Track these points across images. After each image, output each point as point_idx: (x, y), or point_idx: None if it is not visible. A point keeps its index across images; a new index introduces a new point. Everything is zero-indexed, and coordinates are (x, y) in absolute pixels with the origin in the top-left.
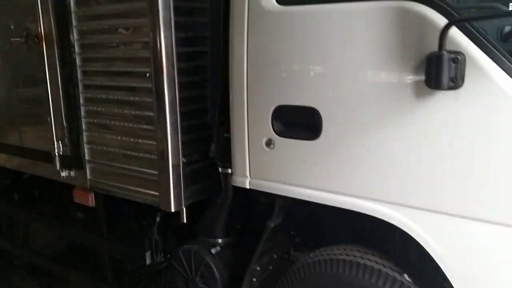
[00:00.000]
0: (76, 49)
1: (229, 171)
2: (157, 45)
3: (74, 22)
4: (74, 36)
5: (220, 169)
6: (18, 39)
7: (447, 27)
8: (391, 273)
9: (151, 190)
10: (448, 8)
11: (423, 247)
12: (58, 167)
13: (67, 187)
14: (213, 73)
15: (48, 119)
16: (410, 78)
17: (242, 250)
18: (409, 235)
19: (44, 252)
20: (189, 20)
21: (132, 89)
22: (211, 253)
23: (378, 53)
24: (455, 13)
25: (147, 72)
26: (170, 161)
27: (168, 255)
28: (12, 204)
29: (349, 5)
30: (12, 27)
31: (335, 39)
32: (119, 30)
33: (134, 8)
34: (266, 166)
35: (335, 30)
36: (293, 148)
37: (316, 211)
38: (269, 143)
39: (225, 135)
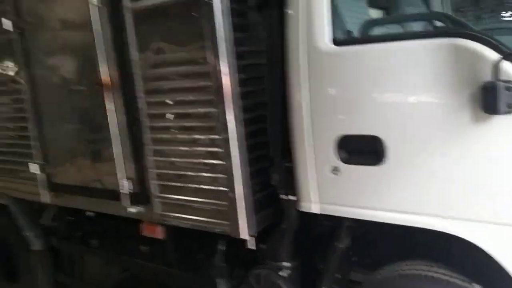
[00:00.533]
0: (140, 94)
1: (292, 197)
2: (221, 88)
3: (136, 70)
4: (137, 82)
5: (283, 196)
6: (80, 86)
7: (500, 60)
8: (460, 283)
9: (219, 219)
10: (498, 45)
11: (487, 258)
12: (125, 204)
13: (129, 221)
14: (273, 109)
15: (114, 159)
16: (467, 105)
17: (308, 272)
18: (469, 246)
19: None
20: (250, 63)
21: (196, 129)
22: (280, 276)
23: (436, 84)
24: (505, 49)
25: (212, 113)
26: (238, 192)
27: (239, 281)
28: (74, 240)
29: (405, 43)
30: (74, 75)
31: (394, 75)
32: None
33: (197, 55)
34: (333, 191)
35: (393, 67)
36: (358, 173)
37: (372, 230)
38: (334, 170)
39: (287, 164)
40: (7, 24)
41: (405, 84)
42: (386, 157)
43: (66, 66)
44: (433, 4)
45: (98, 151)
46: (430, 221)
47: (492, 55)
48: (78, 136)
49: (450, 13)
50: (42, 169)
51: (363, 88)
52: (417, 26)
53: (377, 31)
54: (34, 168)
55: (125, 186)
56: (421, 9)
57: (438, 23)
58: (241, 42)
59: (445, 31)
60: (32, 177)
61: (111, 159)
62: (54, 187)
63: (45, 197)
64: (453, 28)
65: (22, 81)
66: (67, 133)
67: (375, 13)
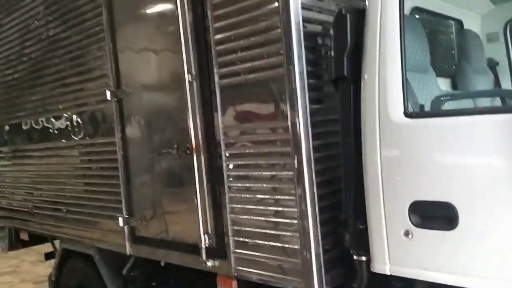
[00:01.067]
0: (224, 157)
1: (364, 258)
2: (298, 154)
3: (221, 136)
4: (222, 146)
5: (355, 257)
6: (170, 150)
7: None
8: None
9: (292, 276)
10: None
11: None
12: (203, 258)
13: (205, 273)
14: (346, 172)
15: (195, 216)
16: None
17: None
18: None
19: None
20: (324, 130)
21: (274, 192)
22: None
23: (507, 155)
24: None
25: (289, 176)
26: (311, 251)
27: None
28: None
29: (475, 117)
30: (162, 139)
31: (465, 146)
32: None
33: (277, 124)
34: (406, 253)
35: (463, 139)
36: (431, 237)
37: None
38: (407, 233)
39: (360, 226)
40: (108, 94)
41: (475, 155)
42: (458, 222)
43: (158, 131)
44: (501, 71)
45: (181, 207)
46: (505, 286)
47: None
48: (162, 193)
49: None
50: (127, 222)
51: (434, 158)
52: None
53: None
54: (121, 221)
55: (205, 240)
56: (487, 76)
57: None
58: (317, 112)
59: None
60: (118, 230)
61: (192, 215)
62: (138, 240)
63: (129, 248)
64: None
65: (117, 142)
66: (153, 190)
67: (442, 82)
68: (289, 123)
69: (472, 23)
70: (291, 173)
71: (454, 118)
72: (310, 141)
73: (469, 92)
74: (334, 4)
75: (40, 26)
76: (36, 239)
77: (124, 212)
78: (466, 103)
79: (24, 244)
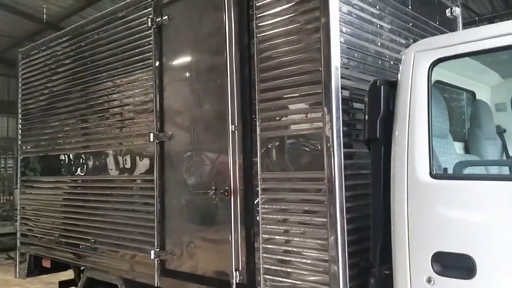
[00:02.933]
0: (259, 201)
1: None
2: (332, 202)
3: (259, 182)
4: (259, 192)
5: None
6: (207, 191)
7: None
8: None
9: None
10: None
11: None
12: None
13: None
14: (374, 222)
15: (228, 253)
16: None
17: None
18: None
19: None
20: (356, 183)
21: (306, 236)
22: None
23: None
24: None
25: (320, 222)
26: None
27: None
28: None
29: (492, 182)
30: (200, 180)
31: (484, 205)
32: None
33: (314, 176)
34: None
35: (483, 199)
36: (451, 285)
37: None
38: (429, 280)
39: (385, 272)
40: (151, 136)
41: (491, 214)
42: (476, 273)
43: (197, 172)
44: (508, 137)
45: (213, 244)
46: None
47: None
48: (196, 230)
49: None
50: (158, 255)
51: (455, 214)
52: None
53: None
54: (152, 254)
55: (236, 277)
56: (496, 142)
57: None
58: (349, 166)
59: None
60: (148, 262)
61: (225, 252)
62: (167, 272)
63: (157, 280)
64: None
65: (155, 180)
66: (186, 226)
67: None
68: (325, 175)
69: (483, 94)
70: (324, 219)
71: (474, 181)
72: (343, 192)
73: (487, 160)
74: (368, 75)
75: (89, 66)
76: (56, 267)
77: (155, 245)
78: (482, 168)
79: (42, 271)
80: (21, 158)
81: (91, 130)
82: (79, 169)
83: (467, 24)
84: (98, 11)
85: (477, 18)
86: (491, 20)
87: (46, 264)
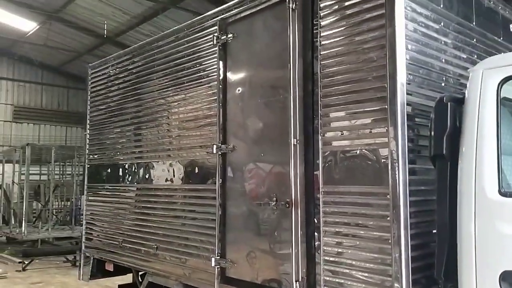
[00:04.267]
0: (321, 214)
1: None
2: (397, 216)
3: (321, 194)
4: (320, 204)
5: None
6: (269, 202)
7: None
8: None
9: None
10: None
11: None
12: None
13: None
14: (440, 238)
15: (289, 264)
16: None
17: None
18: None
19: None
20: (420, 199)
21: (368, 250)
22: None
23: None
24: None
25: (385, 236)
26: None
27: None
28: None
29: None
30: (261, 191)
31: None
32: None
33: (377, 190)
34: None
35: None
36: None
37: None
38: None
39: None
40: (214, 148)
41: None
42: None
43: (258, 184)
44: None
45: (274, 254)
46: None
47: None
48: (256, 239)
49: None
50: (218, 263)
51: None
52: None
53: None
54: (213, 261)
55: (296, 287)
56: None
57: None
58: (413, 182)
59: None
60: (208, 269)
61: (286, 263)
62: (227, 280)
63: (217, 287)
64: None
65: (217, 190)
66: (247, 236)
67: None
68: (390, 190)
69: None
70: (388, 234)
71: None
72: (408, 208)
73: None
74: (432, 91)
75: (155, 81)
76: (118, 271)
77: (216, 253)
78: None
79: (104, 274)
80: (88, 166)
81: (156, 141)
82: (143, 177)
83: None
84: (153, 26)
85: None
86: None
87: (109, 267)
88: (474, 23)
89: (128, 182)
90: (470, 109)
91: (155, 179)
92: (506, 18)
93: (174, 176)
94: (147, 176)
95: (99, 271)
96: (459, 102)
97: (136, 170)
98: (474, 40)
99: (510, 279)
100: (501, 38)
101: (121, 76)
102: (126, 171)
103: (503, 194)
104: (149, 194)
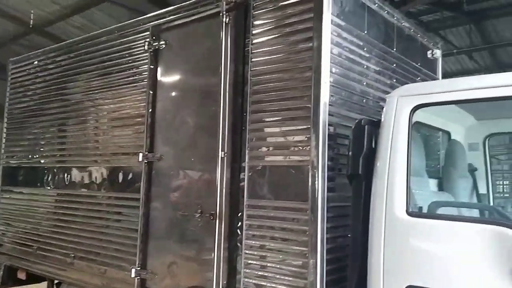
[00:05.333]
0: (244, 227)
1: None
2: (314, 233)
3: (245, 208)
4: (244, 218)
5: None
6: (193, 213)
7: None
8: None
9: None
10: None
11: None
12: None
13: None
14: (353, 252)
15: (210, 275)
16: (506, 277)
17: None
18: None
19: None
20: (337, 215)
21: (286, 262)
22: None
23: (483, 257)
24: None
25: (304, 251)
26: None
27: None
28: None
29: (460, 223)
30: (186, 203)
31: (452, 243)
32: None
33: (297, 206)
34: None
35: (451, 237)
36: None
37: None
38: None
39: None
40: (140, 156)
41: (462, 253)
42: None
43: (183, 195)
44: (479, 175)
45: (196, 266)
46: None
47: None
48: (179, 251)
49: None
50: (138, 274)
51: (428, 251)
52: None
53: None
54: (133, 272)
55: None
56: (468, 180)
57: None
58: (331, 199)
59: (492, 220)
60: (128, 280)
61: (207, 274)
62: None
63: None
64: (498, 218)
65: (141, 200)
66: (169, 247)
67: (431, 183)
68: (309, 205)
69: (457, 134)
70: (304, 248)
71: (446, 222)
72: (325, 223)
73: (460, 203)
74: (353, 112)
75: (82, 82)
76: (31, 279)
77: (137, 264)
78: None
79: (15, 283)
80: (4, 166)
81: (80, 145)
82: (64, 182)
83: (446, 56)
84: (86, 19)
85: (455, 50)
86: (469, 53)
87: (22, 276)
88: (395, 49)
89: (47, 187)
90: (385, 132)
91: (77, 185)
92: (424, 45)
93: (97, 182)
94: (68, 181)
95: (10, 279)
96: (375, 125)
97: (56, 174)
98: (394, 65)
99: None
100: (419, 64)
101: (45, 74)
102: (46, 174)
103: (410, 214)
104: (69, 200)
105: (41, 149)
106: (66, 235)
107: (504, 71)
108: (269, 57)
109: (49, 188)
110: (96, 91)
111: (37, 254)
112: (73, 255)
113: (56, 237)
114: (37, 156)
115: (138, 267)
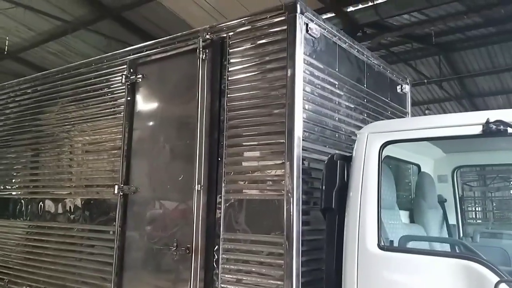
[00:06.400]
0: (220, 261)
1: None
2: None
3: (221, 242)
4: (220, 252)
5: None
6: (169, 247)
7: (498, 283)
8: None
9: None
10: (498, 270)
11: None
12: None
13: None
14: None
15: None
16: None
17: None
18: None
19: None
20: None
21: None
22: None
23: None
24: (503, 274)
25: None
26: None
27: None
28: None
29: (429, 257)
30: (162, 236)
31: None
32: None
33: (272, 240)
34: None
35: (421, 271)
36: None
37: None
38: None
39: None
40: (116, 188)
41: (430, 285)
42: None
43: (159, 228)
44: (448, 206)
45: None
46: None
47: (492, 277)
48: (154, 285)
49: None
50: None
51: (399, 284)
52: None
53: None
54: None
55: None
56: (437, 210)
57: None
58: (306, 232)
59: (460, 255)
60: None
61: None
62: None
63: None
64: (465, 253)
65: (116, 232)
66: (145, 281)
67: (402, 214)
68: (284, 239)
69: (427, 167)
70: (281, 282)
71: (415, 255)
72: (300, 257)
73: (428, 237)
74: (326, 147)
75: (58, 113)
76: None
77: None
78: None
79: None
80: None
81: (54, 177)
82: (35, 214)
83: (417, 85)
84: (61, 46)
85: (426, 80)
86: (439, 83)
87: None
88: (365, 85)
89: (19, 218)
90: (356, 167)
91: (50, 216)
92: (393, 81)
93: (70, 214)
94: (40, 213)
95: None
96: (348, 160)
97: (29, 206)
98: (365, 100)
99: None
100: (389, 99)
101: (18, 104)
102: (17, 206)
103: (381, 248)
104: (42, 232)
105: (13, 180)
106: (37, 268)
107: (472, 101)
108: (245, 93)
109: (21, 220)
110: (72, 122)
111: (8, 287)
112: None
113: (27, 270)
114: (9, 187)
115: None
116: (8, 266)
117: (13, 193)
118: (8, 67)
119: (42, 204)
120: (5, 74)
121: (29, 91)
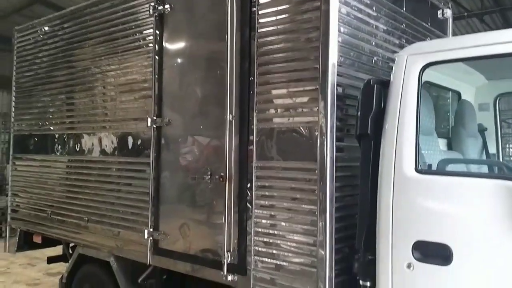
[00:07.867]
0: (253, 188)
1: (369, 284)
2: (323, 191)
3: (254, 170)
4: (253, 179)
5: (361, 282)
6: (203, 176)
7: None
8: None
9: None
10: None
11: None
12: (225, 272)
13: (220, 286)
14: (362, 211)
15: (221, 236)
16: None
17: None
18: None
19: None
20: (345, 175)
21: (295, 222)
22: None
23: (493, 211)
24: None
25: (313, 210)
26: (326, 275)
27: None
28: None
29: (469, 179)
30: (196, 166)
31: (460, 200)
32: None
33: (306, 166)
34: (407, 283)
35: (459, 194)
36: (430, 270)
37: None
38: (409, 266)
39: (369, 257)
40: (149, 121)
41: (469, 207)
42: (452, 260)
43: (193, 158)
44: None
45: (207, 227)
46: None
47: None
48: (190, 212)
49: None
50: (151, 235)
51: (435, 207)
52: None
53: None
54: (146, 233)
55: (228, 257)
56: (477, 140)
57: None
58: (339, 158)
59: (501, 175)
60: (141, 241)
61: (218, 235)
62: (160, 251)
63: (150, 259)
64: (507, 173)
65: (151, 164)
66: (180, 209)
67: (440, 142)
68: (318, 165)
69: (468, 94)
70: (314, 207)
71: (455, 178)
72: (334, 182)
73: (469, 159)
74: (361, 73)
75: (88, 49)
76: (46, 242)
77: (149, 225)
78: (463, 165)
79: (32, 246)
80: (15, 134)
81: (89, 112)
82: (74, 149)
83: (456, 19)
84: None
85: (466, 13)
86: (480, 16)
87: (37, 239)
88: (404, 9)
89: (58, 153)
90: (394, 91)
91: (87, 151)
92: (434, 5)
93: (107, 148)
94: (78, 148)
95: (26, 243)
96: (385, 85)
97: (67, 141)
98: (403, 25)
99: (420, 248)
100: (429, 24)
101: (51, 41)
102: (56, 141)
103: (419, 171)
104: (81, 166)
105: (51, 116)
106: (79, 199)
107: None
108: (276, 17)
109: (60, 155)
110: (102, 58)
111: (51, 218)
112: (86, 218)
113: (69, 202)
114: (47, 123)
115: (150, 228)
116: (51, 199)
117: (52, 128)
118: (37, 11)
119: (80, 139)
120: (35, 19)
121: (60, 27)
